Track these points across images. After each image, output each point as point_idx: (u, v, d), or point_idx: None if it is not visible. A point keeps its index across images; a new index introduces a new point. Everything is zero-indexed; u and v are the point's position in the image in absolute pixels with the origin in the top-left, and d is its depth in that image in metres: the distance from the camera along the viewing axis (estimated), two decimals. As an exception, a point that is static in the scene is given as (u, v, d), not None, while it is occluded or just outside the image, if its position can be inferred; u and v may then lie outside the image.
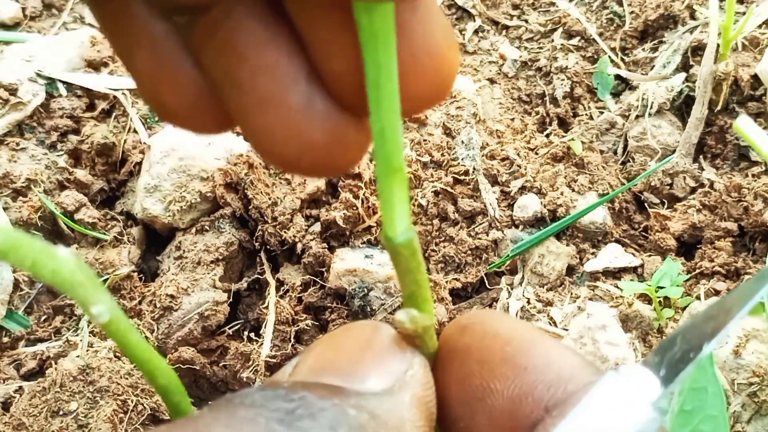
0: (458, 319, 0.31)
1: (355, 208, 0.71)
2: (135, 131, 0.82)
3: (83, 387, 0.62)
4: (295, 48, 0.26)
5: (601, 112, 0.86)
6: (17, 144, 0.79)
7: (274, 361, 0.68)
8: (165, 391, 0.25)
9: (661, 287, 0.66)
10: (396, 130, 0.24)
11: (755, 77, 0.79)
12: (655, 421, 0.24)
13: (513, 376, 0.26)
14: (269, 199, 0.73)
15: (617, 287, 0.70)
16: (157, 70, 0.27)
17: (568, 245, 0.73)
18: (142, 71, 0.27)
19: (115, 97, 0.85)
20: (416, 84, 0.26)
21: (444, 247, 0.73)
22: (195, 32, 0.26)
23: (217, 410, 0.21)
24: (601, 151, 0.83)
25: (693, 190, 0.77)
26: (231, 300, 0.72)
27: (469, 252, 0.73)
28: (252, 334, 0.70)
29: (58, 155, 0.80)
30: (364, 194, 0.72)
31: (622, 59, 0.90)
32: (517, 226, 0.75)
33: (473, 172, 0.77)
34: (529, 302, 0.69)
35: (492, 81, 0.90)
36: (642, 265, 0.72)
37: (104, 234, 0.76)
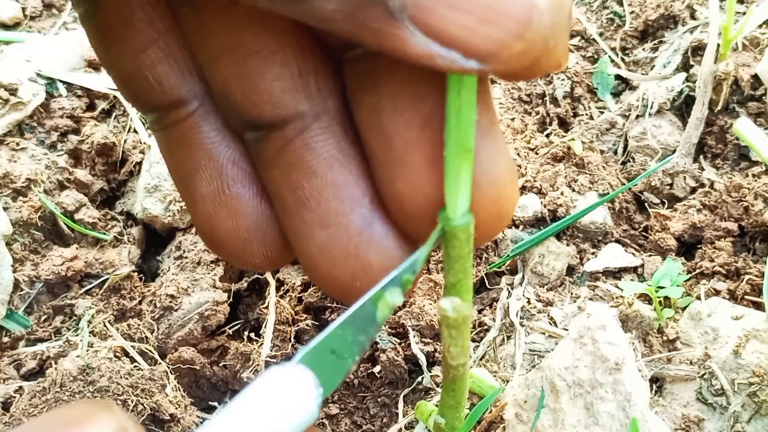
0: None
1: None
2: (135, 131, 0.82)
3: (83, 387, 0.62)
4: (362, 169, 0.27)
5: (602, 112, 0.86)
6: (17, 144, 0.79)
7: (274, 361, 0.68)
8: None
9: (662, 287, 0.66)
10: (470, 117, 0.24)
11: (755, 77, 0.79)
12: (313, 415, 0.25)
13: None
14: (269, 199, 0.73)
15: (617, 287, 0.70)
16: (218, 195, 0.27)
17: (568, 245, 0.73)
18: (201, 195, 0.28)
19: (115, 97, 0.85)
20: (474, 210, 0.26)
21: (444, 247, 0.73)
22: (266, 148, 0.26)
23: None
24: (602, 151, 0.83)
25: (693, 190, 0.77)
26: (231, 300, 0.72)
27: (469, 252, 0.73)
28: (252, 334, 0.70)
29: (58, 155, 0.80)
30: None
31: (623, 59, 0.90)
32: (517, 226, 0.75)
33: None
34: (529, 302, 0.69)
35: (492, 81, 0.90)
36: (642, 265, 0.72)
37: (104, 234, 0.76)
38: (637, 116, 0.83)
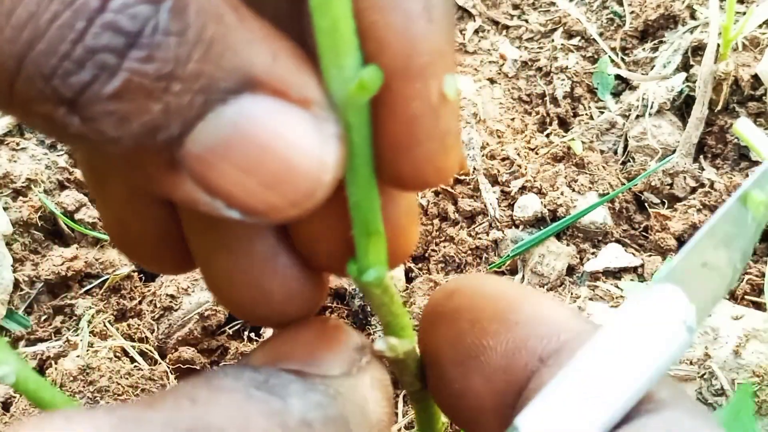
0: (444, 286, 0.30)
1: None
2: (135, 131, 0.82)
3: (83, 387, 0.62)
4: None
5: (602, 112, 0.86)
6: (17, 144, 0.79)
7: (274, 361, 0.68)
8: None
9: (662, 287, 0.66)
10: (372, 201, 0.23)
11: (755, 77, 0.79)
12: (687, 341, 0.23)
13: (505, 331, 0.26)
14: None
15: (617, 287, 0.70)
16: (126, 204, 0.27)
17: (568, 245, 0.73)
18: (112, 196, 0.27)
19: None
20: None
21: (444, 247, 0.73)
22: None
23: (195, 382, 0.21)
24: (602, 151, 0.83)
25: (693, 190, 0.77)
26: (231, 300, 0.72)
27: (470, 252, 0.73)
28: (252, 334, 0.70)
29: (58, 155, 0.80)
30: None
31: (623, 59, 0.90)
32: (517, 226, 0.75)
33: (473, 172, 0.77)
34: (529, 302, 0.69)
35: (492, 81, 0.90)
36: (642, 265, 0.72)
37: (104, 234, 0.76)
38: (637, 116, 0.83)
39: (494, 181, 0.78)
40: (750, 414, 0.43)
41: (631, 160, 0.82)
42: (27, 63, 0.17)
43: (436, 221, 0.74)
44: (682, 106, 0.83)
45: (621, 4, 0.93)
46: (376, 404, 0.24)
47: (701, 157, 0.81)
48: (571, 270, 0.73)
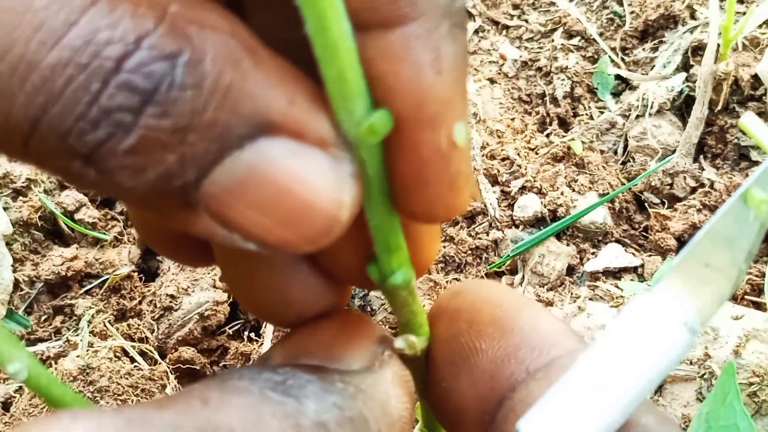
0: (453, 286, 0.31)
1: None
2: (135, 131, 0.82)
3: (83, 387, 0.62)
4: None
5: (602, 112, 0.86)
6: (17, 144, 0.79)
7: (275, 361, 0.68)
8: None
9: (662, 287, 0.66)
10: (391, 223, 0.24)
11: (755, 77, 0.79)
12: (688, 343, 0.23)
13: (499, 337, 0.26)
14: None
15: (617, 287, 0.70)
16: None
17: (568, 245, 0.73)
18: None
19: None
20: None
21: (444, 247, 0.73)
22: None
23: (209, 383, 0.21)
24: (602, 151, 0.83)
25: (693, 190, 0.77)
26: (231, 300, 0.72)
27: (470, 252, 0.73)
28: (252, 334, 0.70)
29: (58, 155, 0.80)
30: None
31: (623, 59, 0.90)
32: (517, 226, 0.75)
33: (473, 172, 0.77)
34: (529, 302, 0.69)
35: (492, 81, 0.90)
36: (642, 265, 0.72)
37: (104, 234, 0.76)
38: (637, 116, 0.83)
39: (494, 181, 0.78)
40: (736, 394, 0.43)
41: (631, 160, 0.82)
42: (42, 125, 0.17)
43: (436, 221, 0.74)
44: (682, 106, 0.83)
45: (621, 4, 0.93)
46: (397, 401, 0.24)
47: (701, 157, 0.81)
48: (571, 270, 0.73)
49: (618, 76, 0.88)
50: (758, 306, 0.64)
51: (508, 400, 0.25)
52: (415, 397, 0.27)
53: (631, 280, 0.71)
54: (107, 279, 0.72)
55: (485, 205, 0.75)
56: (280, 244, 0.21)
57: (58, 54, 0.17)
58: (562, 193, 0.75)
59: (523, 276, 0.72)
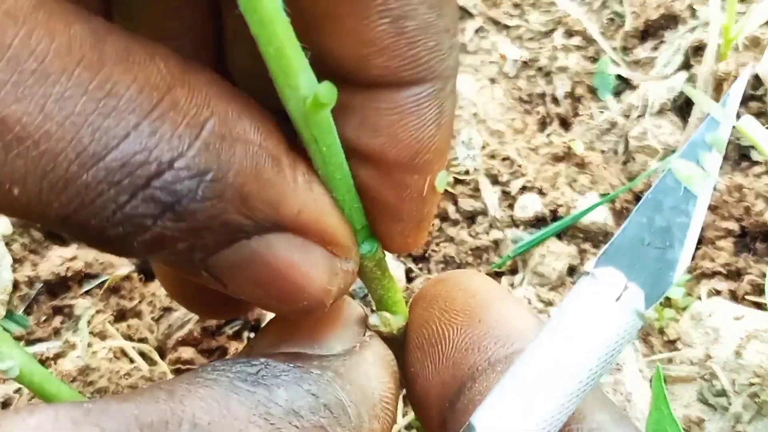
0: (440, 275, 0.32)
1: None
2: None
3: (83, 387, 0.62)
4: None
5: (602, 112, 0.86)
6: (17, 144, 0.79)
7: (274, 361, 0.68)
8: None
9: (662, 287, 0.66)
10: (352, 201, 0.25)
11: (756, 77, 0.79)
12: (632, 323, 0.23)
13: (466, 326, 0.27)
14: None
15: (618, 287, 0.70)
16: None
17: (569, 245, 0.73)
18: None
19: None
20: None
21: (444, 247, 0.73)
22: None
23: (181, 376, 0.22)
24: (602, 151, 0.83)
25: (694, 190, 0.77)
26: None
27: (470, 252, 0.73)
28: (252, 334, 0.70)
29: (57, 155, 0.80)
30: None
31: (623, 59, 0.90)
32: (517, 226, 0.75)
33: (474, 172, 0.77)
34: (530, 302, 0.69)
35: (492, 81, 0.90)
36: (643, 266, 0.72)
37: (104, 234, 0.76)
38: (638, 116, 0.82)
39: (495, 181, 0.78)
40: (664, 398, 0.42)
41: (631, 160, 0.81)
42: (70, 221, 0.19)
43: (436, 221, 0.74)
44: (683, 106, 0.83)
45: (621, 3, 0.93)
46: (378, 381, 0.25)
47: (702, 157, 0.80)
48: (571, 270, 0.73)
49: (619, 76, 0.88)
50: (759, 306, 0.64)
51: (468, 390, 0.26)
52: (397, 378, 0.27)
53: (632, 280, 0.71)
54: (107, 279, 0.72)
55: (485, 205, 0.75)
56: (273, 311, 0.24)
57: (94, 173, 0.18)
58: (562, 193, 0.75)
59: (524, 276, 0.72)
